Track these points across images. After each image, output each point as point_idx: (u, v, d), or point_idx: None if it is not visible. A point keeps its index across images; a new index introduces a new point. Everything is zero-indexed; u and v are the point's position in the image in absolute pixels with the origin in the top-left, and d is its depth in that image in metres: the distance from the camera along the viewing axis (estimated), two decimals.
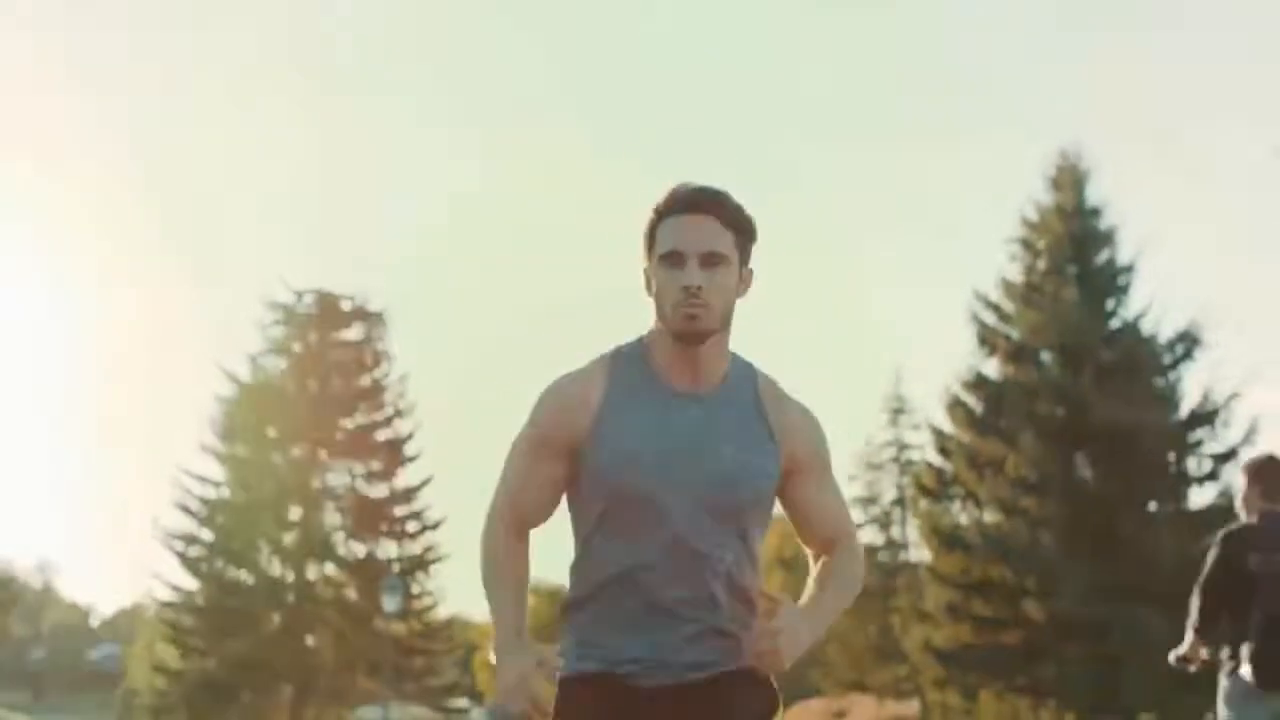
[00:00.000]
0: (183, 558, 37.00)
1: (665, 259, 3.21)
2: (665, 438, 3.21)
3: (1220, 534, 6.86)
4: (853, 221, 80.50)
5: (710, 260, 3.18)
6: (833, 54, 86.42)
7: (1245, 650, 6.56)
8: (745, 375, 3.32)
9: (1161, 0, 74.48)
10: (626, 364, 3.29)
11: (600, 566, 3.28)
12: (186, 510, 37.00)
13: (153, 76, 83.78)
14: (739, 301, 3.29)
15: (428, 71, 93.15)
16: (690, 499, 3.19)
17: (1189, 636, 6.83)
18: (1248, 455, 29.40)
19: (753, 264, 3.32)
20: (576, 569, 3.35)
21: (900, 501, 42.12)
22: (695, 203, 3.22)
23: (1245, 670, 6.56)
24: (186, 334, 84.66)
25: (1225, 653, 6.74)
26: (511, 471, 3.35)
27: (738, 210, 3.26)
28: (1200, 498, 30.18)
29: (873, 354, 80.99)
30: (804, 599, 3.35)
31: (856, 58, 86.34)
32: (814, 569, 3.42)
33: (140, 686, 45.99)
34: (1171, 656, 6.98)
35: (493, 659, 3.23)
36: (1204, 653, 6.81)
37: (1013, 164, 70.03)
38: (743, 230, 3.25)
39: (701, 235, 3.19)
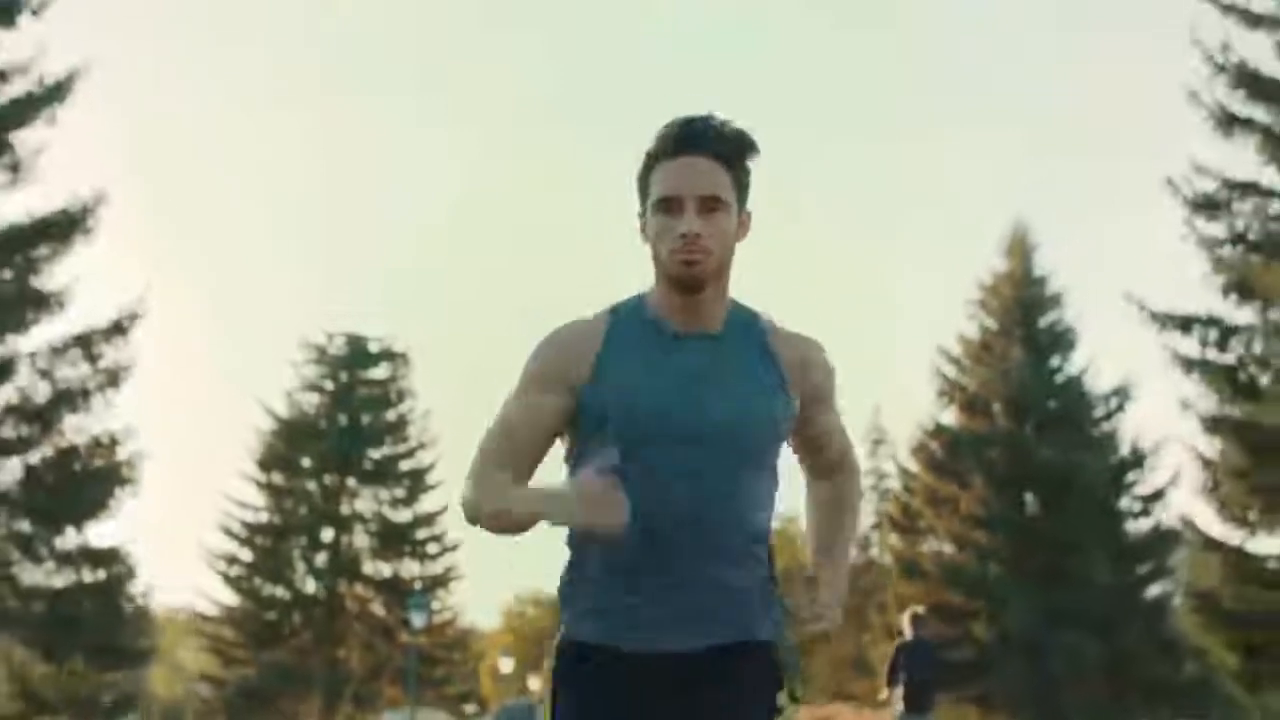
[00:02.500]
0: (225, 576, 42.97)
1: (660, 205, 3.16)
2: (669, 378, 3.17)
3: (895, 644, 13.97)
4: (851, 227, 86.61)
5: (708, 205, 3.13)
6: (834, 59, 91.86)
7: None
8: (748, 318, 3.28)
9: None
10: (625, 313, 3.26)
11: None
12: (228, 532, 42.94)
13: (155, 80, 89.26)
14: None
15: (432, 76, 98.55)
16: (696, 440, 3.15)
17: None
18: (1174, 495, 35.80)
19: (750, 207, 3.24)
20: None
21: (879, 526, 48.31)
22: (691, 142, 3.16)
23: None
24: (225, 371, 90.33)
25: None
26: (502, 416, 3.25)
27: (734, 138, 3.20)
28: (1133, 533, 36.22)
29: (856, 384, 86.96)
30: (820, 537, 3.47)
31: (858, 67, 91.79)
32: (815, 491, 3.50)
33: (160, 693, 51.92)
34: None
35: (557, 511, 3.10)
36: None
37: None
38: (742, 166, 3.20)
39: (698, 179, 3.13)
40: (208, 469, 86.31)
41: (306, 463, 43.51)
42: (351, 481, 43.68)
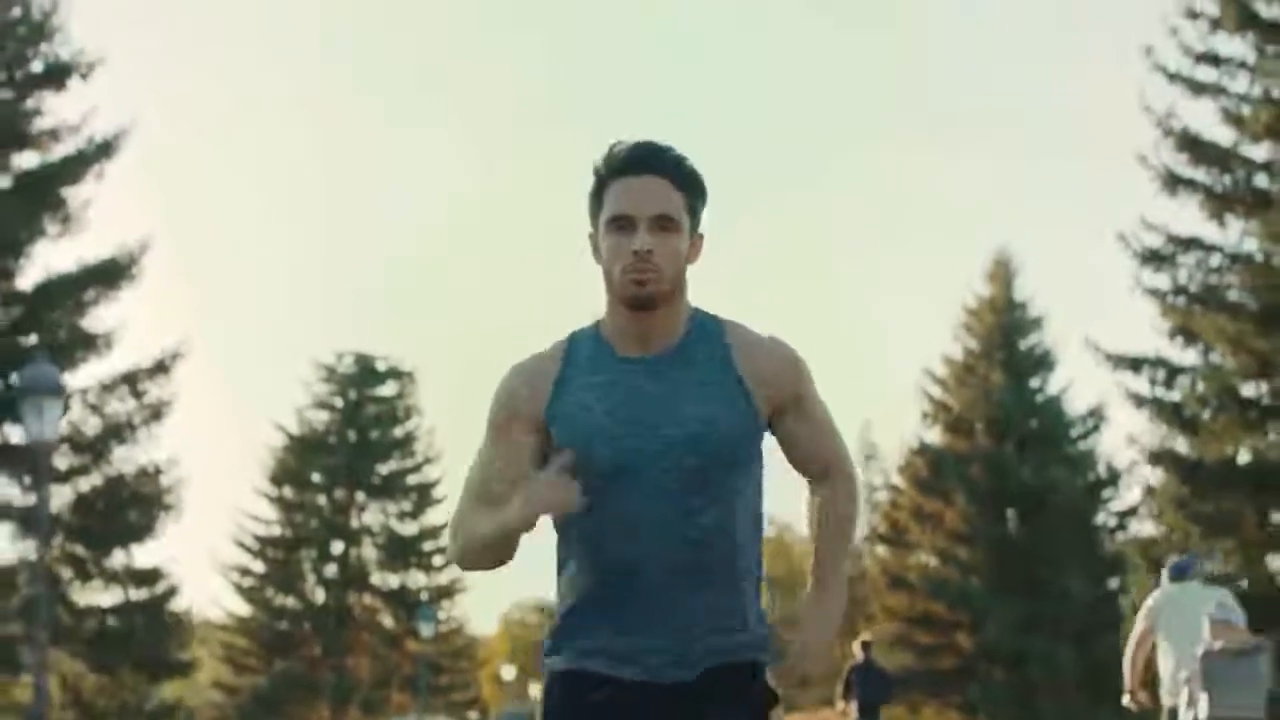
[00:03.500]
0: (238, 587, 45.54)
1: (613, 223, 3.19)
2: (620, 406, 3.20)
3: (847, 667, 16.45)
4: (852, 233, 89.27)
5: (660, 224, 3.17)
6: (834, 65, 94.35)
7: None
8: (709, 330, 3.29)
9: None
10: (580, 341, 3.29)
11: (575, 548, 3.28)
12: (241, 545, 45.51)
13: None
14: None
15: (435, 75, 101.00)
16: (652, 468, 3.18)
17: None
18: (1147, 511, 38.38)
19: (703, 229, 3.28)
20: (557, 556, 3.36)
21: (869, 539, 50.97)
22: (643, 162, 3.21)
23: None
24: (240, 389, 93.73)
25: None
26: (477, 465, 3.31)
27: (687, 169, 3.25)
28: (1107, 547, 38.91)
29: (848, 400, 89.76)
30: (816, 556, 3.42)
31: (859, 74, 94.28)
32: (810, 501, 3.47)
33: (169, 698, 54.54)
34: None
35: (518, 508, 3.10)
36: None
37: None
38: (693, 191, 3.24)
39: (651, 198, 3.18)
40: (220, 484, 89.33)
41: (317, 478, 46.14)
42: (360, 496, 46.28)
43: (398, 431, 47.11)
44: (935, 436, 40.32)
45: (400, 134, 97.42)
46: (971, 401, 39.36)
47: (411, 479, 46.89)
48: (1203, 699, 9.91)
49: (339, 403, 46.93)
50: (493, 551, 3.25)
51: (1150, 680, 10.54)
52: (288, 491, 46.14)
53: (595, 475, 3.19)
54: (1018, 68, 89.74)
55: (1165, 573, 10.63)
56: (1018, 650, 36.87)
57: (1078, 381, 39.60)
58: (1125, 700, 10.49)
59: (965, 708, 38.45)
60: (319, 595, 45.60)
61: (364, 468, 46.15)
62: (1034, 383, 39.86)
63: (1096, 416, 39.14)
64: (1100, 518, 39.12)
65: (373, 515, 46.54)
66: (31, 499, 24.88)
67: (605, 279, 3.25)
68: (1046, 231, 78.54)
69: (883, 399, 70.53)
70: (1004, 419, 38.68)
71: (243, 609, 45.56)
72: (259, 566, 45.50)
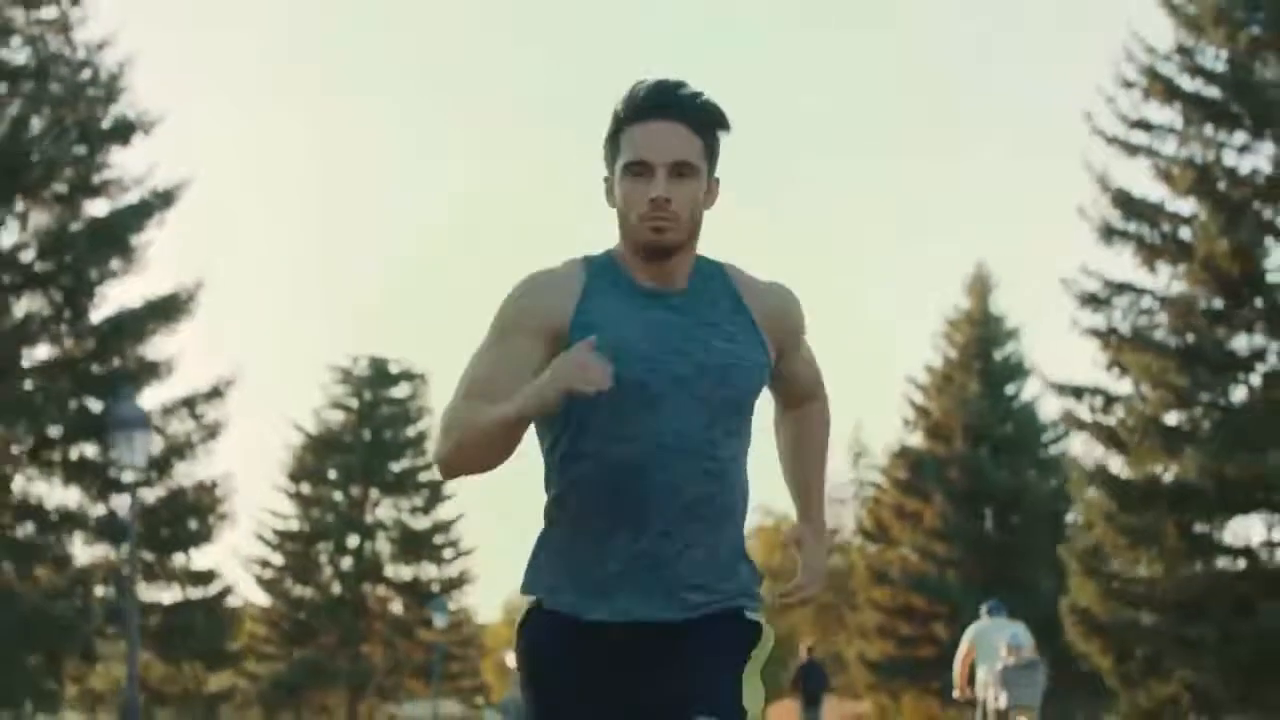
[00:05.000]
0: (258, 579, 49.58)
1: (630, 168, 3.24)
2: (651, 330, 3.25)
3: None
4: (848, 232, 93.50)
5: (678, 170, 3.22)
6: (833, 66, 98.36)
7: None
8: (713, 270, 3.38)
9: None
10: (598, 267, 3.34)
11: (581, 464, 3.28)
12: (262, 539, 49.53)
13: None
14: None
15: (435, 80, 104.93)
16: (682, 393, 3.23)
17: None
18: None
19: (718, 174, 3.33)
20: (553, 473, 3.35)
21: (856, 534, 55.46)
22: (662, 107, 3.25)
23: None
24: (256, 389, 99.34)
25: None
26: (478, 363, 3.29)
27: (707, 110, 3.29)
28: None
29: (841, 402, 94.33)
30: (797, 476, 3.62)
31: (857, 72, 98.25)
32: (786, 423, 3.62)
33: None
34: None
35: (532, 399, 3.09)
36: None
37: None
38: (712, 134, 3.30)
39: (669, 144, 3.22)
40: (242, 482, 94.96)
41: (333, 475, 49.25)
42: (374, 492, 49.32)
43: (410, 431, 50.41)
44: (917, 440, 44.71)
45: (402, 137, 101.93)
46: (950, 408, 43.72)
47: (423, 476, 49.98)
48: (1003, 694, 16.10)
49: (354, 404, 50.40)
50: (492, 444, 3.18)
51: (970, 681, 16.97)
52: (305, 488, 49.43)
53: (621, 392, 3.17)
54: (1017, 68, 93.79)
55: (983, 610, 17.22)
56: None
57: (1063, 375, 43.88)
58: (955, 694, 17.04)
59: (943, 694, 42.89)
60: (335, 587, 48.91)
61: (378, 465, 49.28)
62: (1009, 390, 44.24)
63: (1068, 420, 43.49)
64: (1070, 517, 43.46)
65: (386, 510, 49.87)
66: (101, 509, 29.42)
67: (620, 224, 3.31)
68: (1035, 240, 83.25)
69: (877, 402, 75.11)
70: (980, 425, 43.01)
71: (263, 600, 49.34)
72: (278, 559, 48.77)
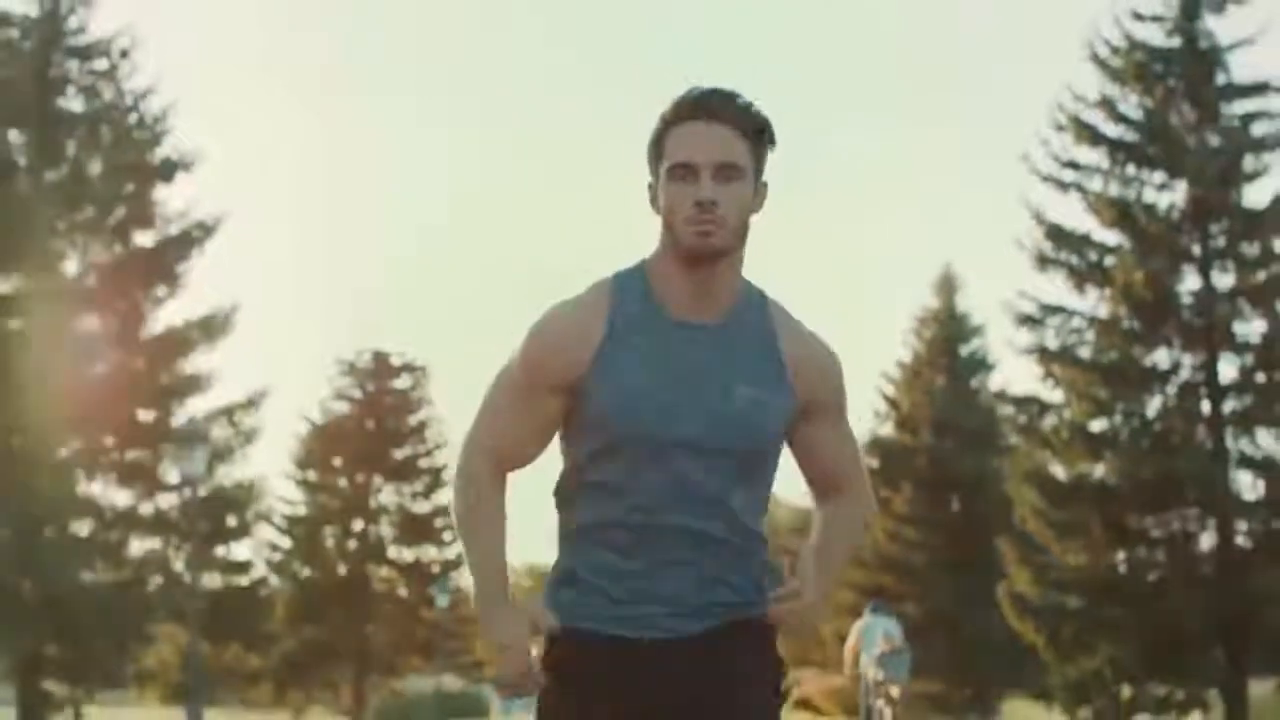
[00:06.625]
0: (267, 561, 54.08)
1: (675, 171, 3.30)
2: (671, 374, 3.31)
3: None
4: (828, 236, 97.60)
5: (725, 172, 3.28)
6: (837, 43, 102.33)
7: None
8: (757, 304, 3.43)
9: None
10: (627, 293, 3.38)
11: (595, 501, 3.43)
12: (270, 523, 54.08)
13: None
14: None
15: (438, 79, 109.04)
16: (697, 440, 3.32)
17: None
18: None
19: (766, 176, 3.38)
20: (568, 501, 3.50)
21: None
22: (708, 108, 3.31)
23: None
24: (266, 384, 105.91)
25: None
26: (499, 405, 3.42)
27: (754, 114, 3.36)
28: None
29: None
30: (814, 545, 3.52)
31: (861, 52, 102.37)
32: (817, 513, 3.63)
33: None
34: None
35: (482, 624, 3.35)
36: None
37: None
38: (759, 138, 3.36)
39: (715, 145, 3.28)
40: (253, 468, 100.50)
41: (338, 462, 52.70)
42: (377, 478, 52.74)
43: (411, 420, 53.72)
44: (888, 430, 49.94)
45: (407, 138, 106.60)
46: (919, 401, 48.92)
47: (423, 463, 53.41)
48: (880, 672, 21.69)
49: (358, 395, 53.94)
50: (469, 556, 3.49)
51: (855, 664, 22.34)
52: (312, 475, 52.91)
53: (636, 442, 3.33)
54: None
55: (867, 609, 22.64)
56: (957, 618, 46.38)
57: (1013, 384, 49.08)
58: (845, 672, 22.90)
59: (912, 669, 48.08)
60: (341, 568, 52.32)
61: (381, 453, 52.68)
62: (973, 384, 49.43)
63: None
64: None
65: (389, 496, 52.97)
66: (150, 507, 34.53)
67: (664, 230, 3.36)
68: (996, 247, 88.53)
69: (851, 395, 79.74)
70: (946, 416, 48.20)
71: (274, 581, 53.58)
72: (286, 543, 52.43)
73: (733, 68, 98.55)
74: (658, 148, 3.38)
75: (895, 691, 21.99)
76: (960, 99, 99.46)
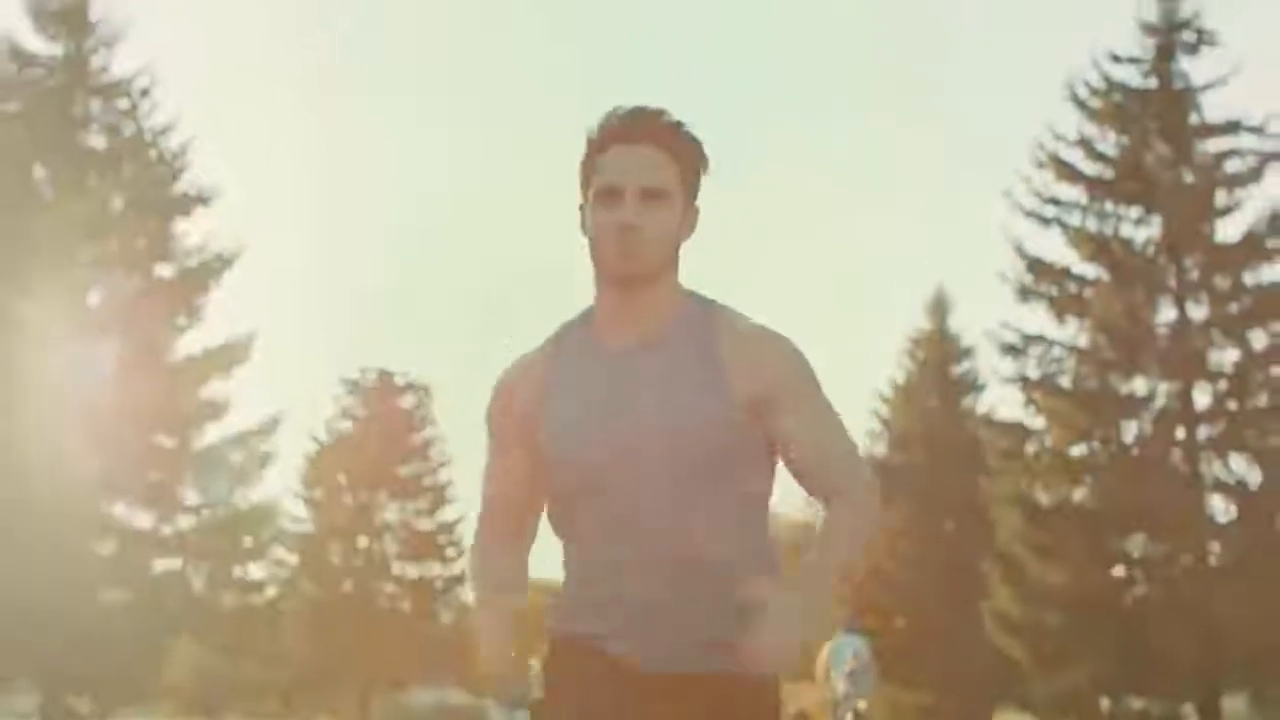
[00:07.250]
0: (275, 578, 55.79)
1: (600, 195, 3.28)
2: (601, 404, 3.33)
3: None
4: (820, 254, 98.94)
5: (650, 195, 3.25)
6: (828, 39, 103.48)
7: None
8: (697, 317, 3.38)
9: None
10: (571, 332, 3.42)
11: (571, 547, 3.49)
12: (278, 540, 55.80)
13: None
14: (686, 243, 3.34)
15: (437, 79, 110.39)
16: (632, 467, 3.29)
17: None
18: None
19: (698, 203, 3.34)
20: (561, 538, 3.57)
21: None
22: (633, 130, 3.29)
23: None
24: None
25: None
26: (487, 471, 3.54)
27: (682, 135, 3.32)
28: None
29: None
30: (807, 561, 3.36)
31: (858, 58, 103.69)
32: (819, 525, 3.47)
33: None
34: None
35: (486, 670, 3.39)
36: None
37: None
38: (688, 159, 3.32)
39: (640, 167, 3.26)
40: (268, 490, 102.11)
41: (344, 480, 54.44)
42: (382, 496, 54.39)
43: (414, 439, 55.30)
44: (881, 450, 51.85)
45: (411, 150, 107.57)
46: (911, 422, 50.85)
47: (427, 481, 54.79)
48: (850, 688, 23.15)
49: (363, 413, 55.59)
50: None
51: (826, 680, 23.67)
52: (318, 493, 54.47)
53: (582, 477, 3.35)
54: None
55: (840, 628, 23.70)
56: (947, 631, 48.23)
57: (1000, 408, 51.00)
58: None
59: (905, 681, 49.96)
60: (347, 584, 53.85)
61: (385, 471, 54.16)
62: (965, 403, 51.35)
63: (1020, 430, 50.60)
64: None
65: (393, 513, 54.46)
66: (166, 529, 36.40)
67: (591, 254, 3.36)
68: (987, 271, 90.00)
69: (846, 416, 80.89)
70: (939, 436, 50.11)
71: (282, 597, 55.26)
72: (293, 559, 54.01)
73: (733, 68, 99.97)
74: (586, 171, 3.39)
75: (862, 705, 23.97)
76: (956, 109, 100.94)
